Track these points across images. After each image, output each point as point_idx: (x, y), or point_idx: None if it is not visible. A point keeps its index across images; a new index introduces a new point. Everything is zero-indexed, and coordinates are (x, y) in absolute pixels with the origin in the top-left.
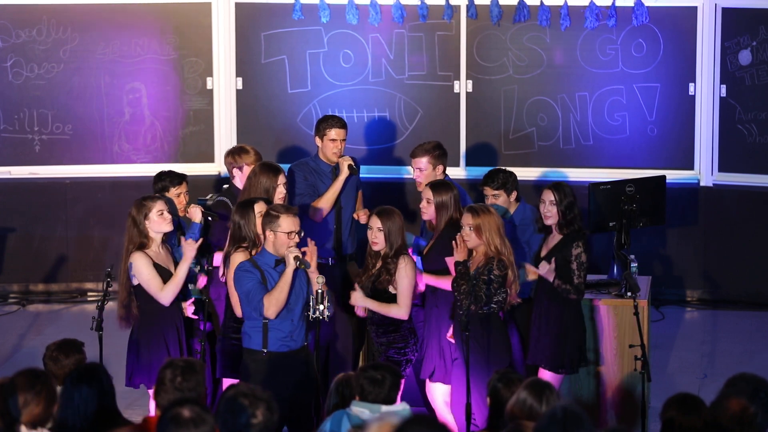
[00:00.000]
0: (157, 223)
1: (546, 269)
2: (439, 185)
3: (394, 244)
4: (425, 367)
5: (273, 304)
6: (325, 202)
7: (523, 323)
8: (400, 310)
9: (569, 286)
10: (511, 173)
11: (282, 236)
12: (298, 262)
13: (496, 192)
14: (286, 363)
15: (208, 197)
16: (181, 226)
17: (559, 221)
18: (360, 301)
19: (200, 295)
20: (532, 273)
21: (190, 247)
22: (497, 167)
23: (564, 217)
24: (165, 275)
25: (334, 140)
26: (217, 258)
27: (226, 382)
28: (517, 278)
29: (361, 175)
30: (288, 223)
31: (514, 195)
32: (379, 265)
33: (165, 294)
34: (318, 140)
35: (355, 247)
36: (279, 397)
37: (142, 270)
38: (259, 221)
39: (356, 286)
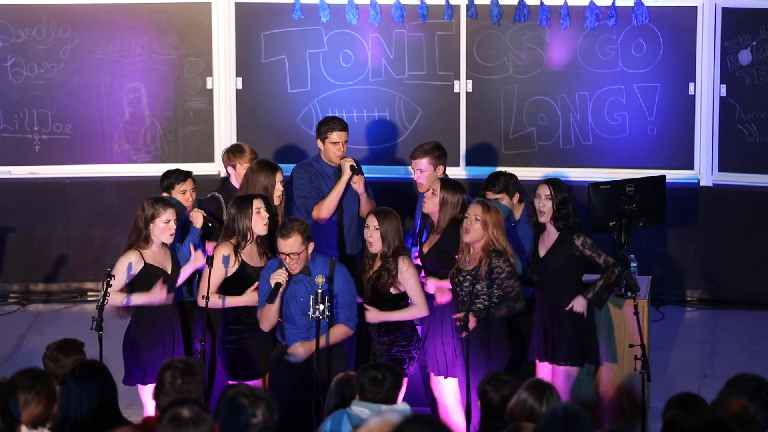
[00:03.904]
0: (161, 230)
1: (581, 304)
2: (451, 183)
3: (391, 245)
4: (431, 363)
5: (263, 319)
6: (329, 204)
7: (524, 322)
8: (419, 309)
9: (601, 282)
10: (512, 176)
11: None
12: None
13: (497, 196)
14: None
15: (208, 196)
16: (186, 226)
17: (554, 215)
18: (377, 317)
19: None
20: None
21: (158, 295)
22: (497, 171)
23: (558, 211)
24: (158, 274)
25: (336, 143)
26: (209, 248)
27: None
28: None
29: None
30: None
31: (516, 197)
32: (377, 266)
33: (114, 297)
34: (320, 143)
35: (360, 247)
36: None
37: (124, 267)
38: (256, 217)
39: (367, 306)
